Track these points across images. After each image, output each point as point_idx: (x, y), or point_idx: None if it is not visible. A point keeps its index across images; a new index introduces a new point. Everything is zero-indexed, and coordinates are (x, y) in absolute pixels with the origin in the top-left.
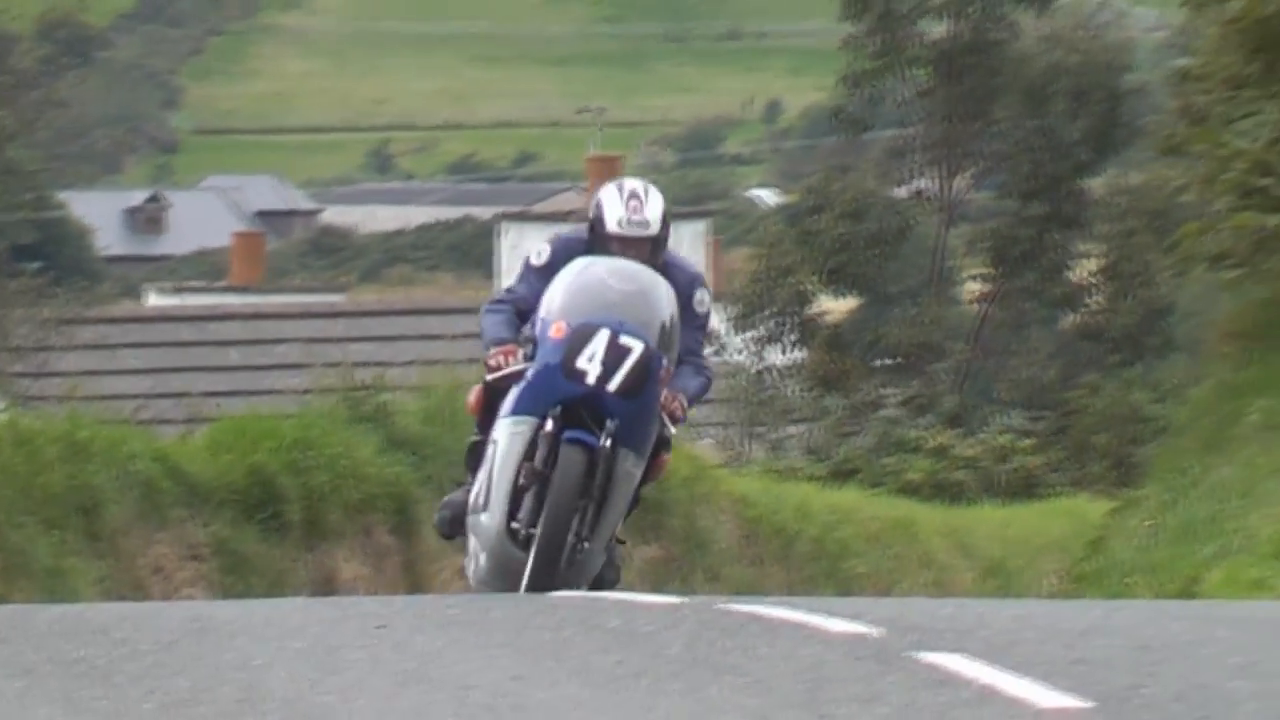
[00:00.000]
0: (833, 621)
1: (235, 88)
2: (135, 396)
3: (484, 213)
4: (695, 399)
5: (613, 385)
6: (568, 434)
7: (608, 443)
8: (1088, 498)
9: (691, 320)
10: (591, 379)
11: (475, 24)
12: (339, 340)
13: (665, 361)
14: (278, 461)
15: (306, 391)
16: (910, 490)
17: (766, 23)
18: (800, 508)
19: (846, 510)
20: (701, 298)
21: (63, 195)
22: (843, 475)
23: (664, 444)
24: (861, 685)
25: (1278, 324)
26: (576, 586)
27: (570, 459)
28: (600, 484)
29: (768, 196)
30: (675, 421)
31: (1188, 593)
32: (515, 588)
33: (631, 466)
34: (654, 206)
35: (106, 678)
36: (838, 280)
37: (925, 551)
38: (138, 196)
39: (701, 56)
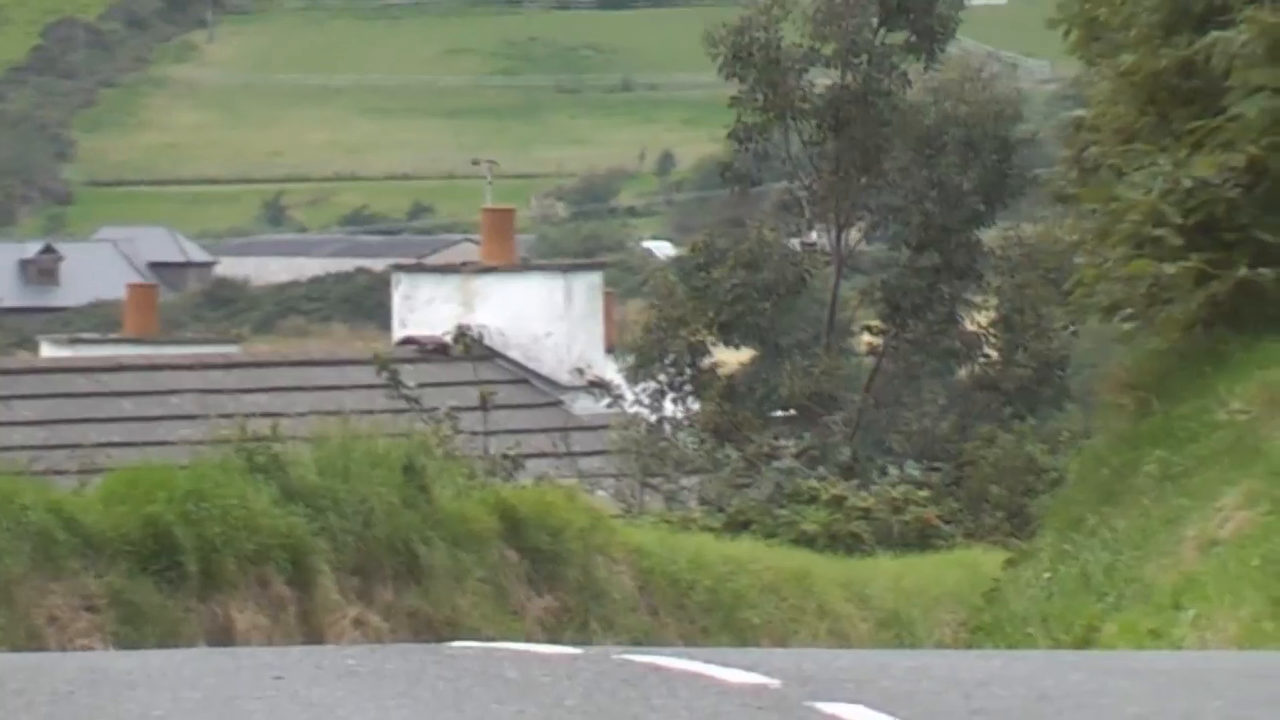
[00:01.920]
0: (730, 672)
1: (128, 140)
2: (29, 448)
3: (378, 264)
4: None
5: None
6: None
7: None
8: (983, 549)
9: None
10: None
11: (368, 76)
12: (233, 391)
13: None
14: (173, 512)
15: (201, 443)
16: (806, 541)
17: (659, 75)
18: (695, 558)
19: (742, 561)
20: None
21: None
22: (738, 526)
23: None
24: None
25: (1172, 375)
26: None
27: None
28: None
29: (662, 249)
30: None
31: (1085, 643)
32: None
33: None
34: None
35: None
36: (732, 332)
37: (821, 602)
38: (31, 248)
39: (594, 109)
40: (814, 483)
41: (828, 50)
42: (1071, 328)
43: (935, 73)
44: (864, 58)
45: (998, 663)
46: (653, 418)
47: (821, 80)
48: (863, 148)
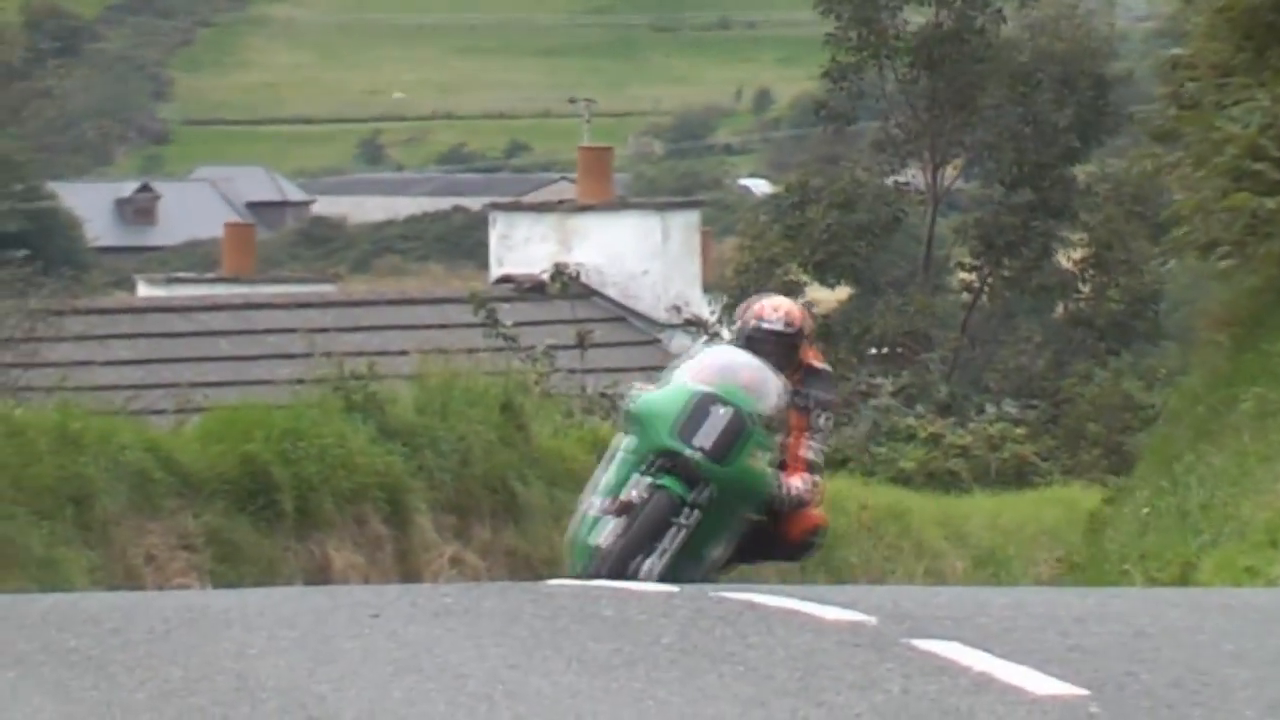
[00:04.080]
0: (827, 609)
1: (225, 79)
2: (126, 387)
3: (474, 203)
4: None
5: None
6: None
7: None
8: (1080, 486)
9: None
10: None
11: (464, 15)
12: (330, 330)
13: None
14: (270, 451)
15: (298, 381)
16: (903, 479)
17: (756, 12)
18: None
19: (839, 499)
20: None
21: (53, 186)
22: (835, 464)
23: None
24: (858, 673)
25: (1269, 311)
26: None
27: None
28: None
29: (759, 186)
30: None
31: (1182, 580)
32: None
33: None
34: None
35: (100, 667)
36: (827, 271)
37: (919, 540)
38: (128, 187)
39: (691, 46)
40: (911, 421)
41: None
42: (1165, 264)
43: (1031, 9)
44: None
45: (1094, 600)
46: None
47: (915, 18)
48: (957, 85)
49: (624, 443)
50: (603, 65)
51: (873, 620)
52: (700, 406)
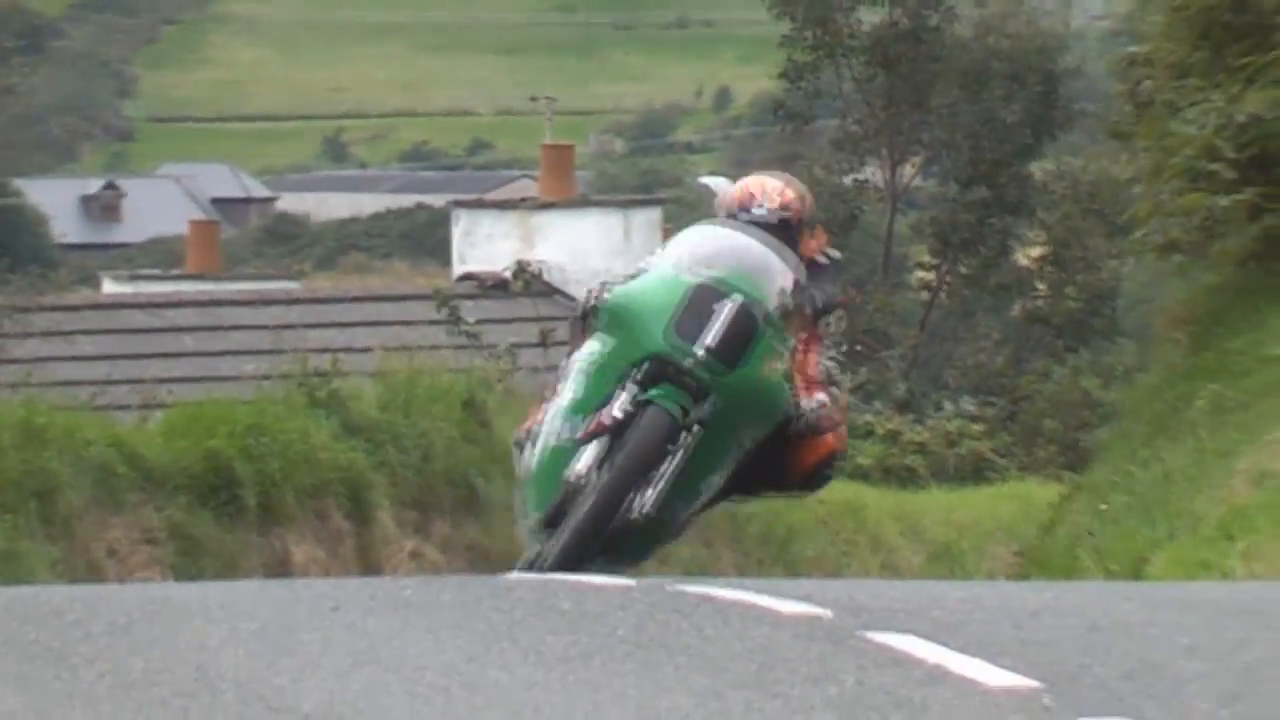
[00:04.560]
0: (783, 602)
1: (190, 76)
2: (91, 383)
3: (437, 200)
4: None
5: None
6: None
7: None
8: (1037, 482)
9: None
10: None
11: (428, 13)
12: (294, 327)
13: None
14: (233, 447)
15: (262, 378)
16: (861, 475)
17: (714, 11)
18: None
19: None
20: None
21: (18, 183)
22: None
23: None
24: (813, 665)
25: (1226, 309)
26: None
27: None
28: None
29: (719, 184)
30: None
31: (1136, 574)
32: None
33: None
34: None
35: (61, 659)
36: None
37: (875, 535)
38: (93, 184)
39: (651, 45)
40: (870, 417)
41: None
42: (1120, 262)
43: (983, 8)
44: None
45: (1049, 594)
46: None
47: (870, 17)
48: (913, 84)
49: (591, 350)
50: (565, 63)
51: (828, 613)
52: (701, 298)
